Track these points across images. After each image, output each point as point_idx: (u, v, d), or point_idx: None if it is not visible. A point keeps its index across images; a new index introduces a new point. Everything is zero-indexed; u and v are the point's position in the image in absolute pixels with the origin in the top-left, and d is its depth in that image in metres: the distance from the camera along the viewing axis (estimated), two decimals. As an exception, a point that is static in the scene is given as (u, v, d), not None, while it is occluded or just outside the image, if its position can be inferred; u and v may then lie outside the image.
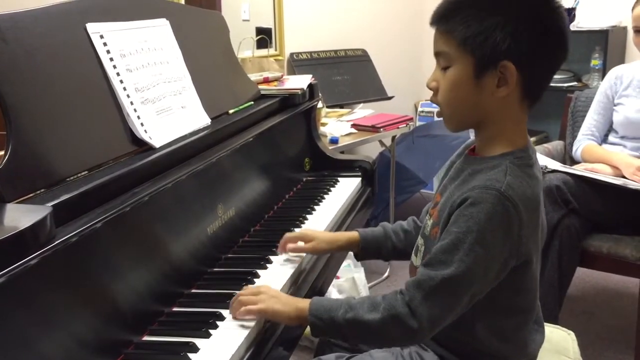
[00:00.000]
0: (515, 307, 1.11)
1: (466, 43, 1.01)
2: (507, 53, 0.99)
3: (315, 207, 1.64)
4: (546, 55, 1.03)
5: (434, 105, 1.12)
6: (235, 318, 1.08)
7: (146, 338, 1.04)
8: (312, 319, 1.05)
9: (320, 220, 1.56)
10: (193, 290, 1.20)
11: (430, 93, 1.10)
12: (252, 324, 1.07)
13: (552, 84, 3.78)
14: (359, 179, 1.87)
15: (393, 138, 2.91)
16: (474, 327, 1.10)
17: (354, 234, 1.35)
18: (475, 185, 1.02)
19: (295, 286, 1.29)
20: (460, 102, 1.06)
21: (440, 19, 1.05)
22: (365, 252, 1.34)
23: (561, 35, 1.03)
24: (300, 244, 1.33)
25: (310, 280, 1.33)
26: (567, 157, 2.50)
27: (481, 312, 1.08)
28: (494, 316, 1.10)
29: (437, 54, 1.07)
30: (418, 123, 3.81)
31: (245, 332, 1.05)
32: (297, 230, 1.45)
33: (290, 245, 1.32)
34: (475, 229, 0.98)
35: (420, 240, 1.18)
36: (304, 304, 1.08)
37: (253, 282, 1.23)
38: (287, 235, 1.34)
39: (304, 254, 1.35)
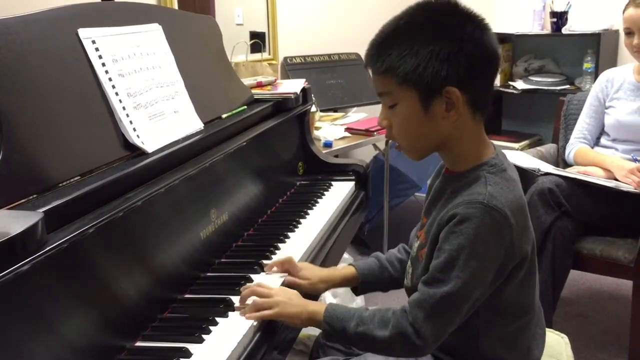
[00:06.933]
0: (517, 307, 1.12)
1: (407, 79, 1.02)
2: (448, 78, 1.01)
3: (309, 211, 1.64)
4: (482, 69, 1.05)
5: None
6: (248, 317, 1.10)
7: (139, 344, 1.04)
8: (326, 326, 1.10)
9: (314, 225, 1.56)
10: (186, 296, 1.20)
11: None
12: (245, 329, 1.07)
13: (544, 87, 3.75)
14: (352, 183, 1.88)
15: (387, 142, 2.91)
16: (480, 338, 1.11)
17: (350, 270, 1.32)
18: (459, 202, 1.03)
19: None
20: (415, 135, 1.08)
21: (375, 61, 1.06)
22: (364, 286, 1.33)
23: (489, 47, 1.05)
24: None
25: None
26: (560, 160, 2.51)
27: (486, 320, 1.09)
28: (499, 320, 1.11)
29: (381, 94, 1.08)
30: (412, 126, 3.81)
31: (239, 337, 1.04)
32: (293, 237, 1.44)
33: (289, 278, 1.26)
34: (467, 245, 1.00)
35: (409, 263, 1.21)
36: (315, 307, 1.13)
37: (246, 287, 1.22)
38: (278, 261, 1.28)
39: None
